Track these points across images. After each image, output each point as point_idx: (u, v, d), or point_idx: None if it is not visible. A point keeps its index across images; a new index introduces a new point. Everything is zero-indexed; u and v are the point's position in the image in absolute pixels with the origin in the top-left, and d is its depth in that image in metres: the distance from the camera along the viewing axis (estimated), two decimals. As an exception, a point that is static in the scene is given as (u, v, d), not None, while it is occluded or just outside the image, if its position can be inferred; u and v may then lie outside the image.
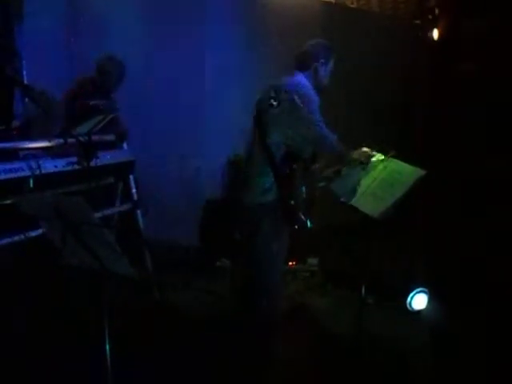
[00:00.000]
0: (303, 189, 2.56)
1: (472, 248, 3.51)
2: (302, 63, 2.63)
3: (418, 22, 4.33)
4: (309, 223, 2.55)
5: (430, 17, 4.13)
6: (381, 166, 2.55)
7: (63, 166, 2.72)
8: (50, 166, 2.64)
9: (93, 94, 3.52)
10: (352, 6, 4.69)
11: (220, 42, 4.26)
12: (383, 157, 2.56)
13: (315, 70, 2.61)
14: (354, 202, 2.60)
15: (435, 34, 4.04)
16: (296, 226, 2.56)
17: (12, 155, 2.56)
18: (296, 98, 2.47)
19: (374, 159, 2.59)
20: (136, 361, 2.56)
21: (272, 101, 2.51)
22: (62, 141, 2.73)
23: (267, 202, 2.51)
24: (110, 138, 3.27)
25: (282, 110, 2.48)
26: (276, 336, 2.64)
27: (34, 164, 2.51)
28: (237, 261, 3.53)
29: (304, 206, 2.55)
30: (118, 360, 2.02)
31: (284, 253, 2.65)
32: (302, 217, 2.53)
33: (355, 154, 2.58)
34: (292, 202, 2.48)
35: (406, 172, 2.46)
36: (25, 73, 3.40)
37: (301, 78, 2.58)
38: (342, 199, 2.57)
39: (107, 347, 1.99)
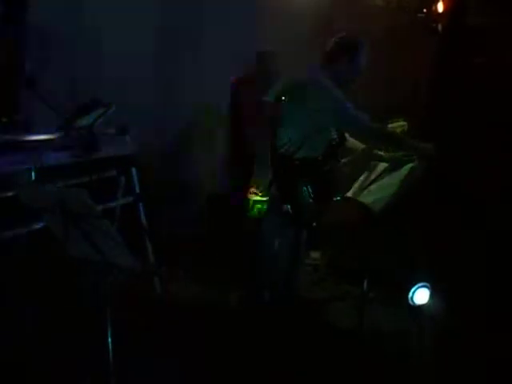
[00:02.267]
0: (308, 189, 2.43)
1: (473, 245, 3.51)
2: (326, 61, 2.56)
3: (422, 15, 4.30)
4: (317, 225, 2.44)
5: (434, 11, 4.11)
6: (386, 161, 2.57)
7: (65, 159, 2.73)
8: (52, 159, 2.65)
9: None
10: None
11: (226, 38, 4.24)
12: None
13: (337, 69, 2.53)
14: (357, 195, 2.61)
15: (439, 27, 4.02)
16: (302, 227, 2.49)
17: (15, 148, 2.57)
18: (321, 87, 2.43)
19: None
20: (136, 353, 2.57)
21: (291, 95, 2.47)
22: (64, 133, 2.73)
23: (269, 199, 2.48)
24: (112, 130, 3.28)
25: (304, 101, 2.42)
26: (278, 329, 2.63)
27: (36, 156, 2.52)
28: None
29: (311, 206, 2.43)
30: (119, 352, 2.03)
31: (289, 250, 2.59)
32: (308, 218, 2.42)
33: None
34: (288, 207, 2.37)
35: (406, 166, 2.47)
36: (27, 65, 3.39)
37: (321, 75, 2.50)
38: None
39: (109, 340, 2.00)
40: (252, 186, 2.77)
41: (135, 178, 3.37)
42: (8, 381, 2.32)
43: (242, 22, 4.14)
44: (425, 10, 4.22)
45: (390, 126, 2.57)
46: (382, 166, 2.63)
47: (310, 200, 2.41)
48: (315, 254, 4.18)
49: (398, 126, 2.55)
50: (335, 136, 2.50)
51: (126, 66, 3.76)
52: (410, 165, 2.44)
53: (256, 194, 2.72)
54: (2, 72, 3.16)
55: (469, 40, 3.93)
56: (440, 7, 4.05)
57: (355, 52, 2.53)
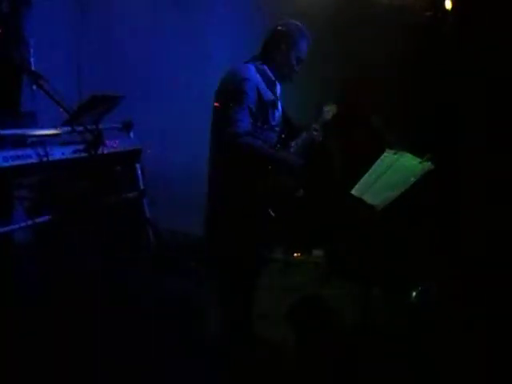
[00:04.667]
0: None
1: (475, 245, 3.51)
2: (262, 49, 2.37)
3: (428, 13, 4.28)
4: (280, 220, 2.28)
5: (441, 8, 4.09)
6: (391, 159, 2.57)
7: (70, 154, 2.74)
8: (57, 154, 2.67)
9: None
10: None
11: (227, 34, 4.25)
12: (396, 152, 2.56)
13: (275, 59, 2.32)
14: (361, 193, 2.61)
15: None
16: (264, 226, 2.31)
17: (20, 142, 2.58)
18: (228, 82, 2.25)
19: (385, 153, 2.59)
20: (138, 350, 2.58)
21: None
22: (69, 128, 2.74)
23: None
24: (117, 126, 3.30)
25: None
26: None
27: (41, 151, 2.53)
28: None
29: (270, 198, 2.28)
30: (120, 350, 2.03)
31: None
32: (271, 212, 2.26)
33: (324, 113, 2.57)
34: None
35: (414, 167, 2.46)
36: (32, 60, 3.39)
37: (249, 66, 2.29)
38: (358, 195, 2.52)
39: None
40: None
41: (139, 174, 3.39)
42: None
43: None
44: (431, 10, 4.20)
45: (325, 109, 2.62)
46: (388, 160, 2.62)
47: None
48: (317, 252, 4.19)
49: (330, 109, 2.65)
50: (276, 127, 2.38)
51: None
52: (421, 167, 2.41)
53: None
54: (8, 67, 3.16)
55: (474, 38, 3.91)
56: (448, 4, 4.03)
57: (294, 42, 2.31)
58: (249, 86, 2.19)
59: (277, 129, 2.37)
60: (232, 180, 2.26)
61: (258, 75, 2.28)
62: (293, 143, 2.48)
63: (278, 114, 2.38)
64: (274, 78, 2.33)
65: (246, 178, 2.24)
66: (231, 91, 2.21)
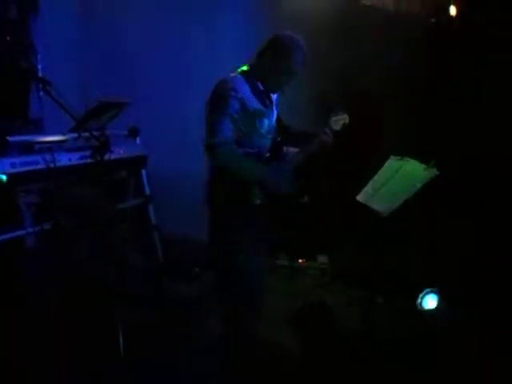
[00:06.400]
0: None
1: (473, 247, 3.50)
2: (255, 58, 2.36)
3: (433, 20, 4.30)
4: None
5: (446, 15, 4.11)
6: (396, 166, 2.57)
7: (77, 160, 2.75)
8: (64, 160, 2.68)
9: None
10: (366, 3, 4.66)
11: (233, 38, 4.26)
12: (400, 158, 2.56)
13: (262, 65, 2.31)
14: (366, 200, 2.61)
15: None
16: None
17: (27, 148, 2.60)
18: (213, 92, 2.25)
19: (390, 160, 2.60)
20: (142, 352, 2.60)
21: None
22: (76, 135, 2.76)
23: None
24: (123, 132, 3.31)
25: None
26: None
27: (48, 157, 2.54)
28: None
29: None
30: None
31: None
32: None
33: (331, 123, 2.44)
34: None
35: (419, 173, 2.46)
36: (40, 66, 3.42)
37: (237, 77, 2.28)
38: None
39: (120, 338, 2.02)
40: None
41: (145, 180, 3.40)
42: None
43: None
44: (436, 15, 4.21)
45: (333, 118, 2.46)
46: (393, 167, 2.62)
47: (258, 201, 2.25)
48: (322, 258, 4.18)
49: (340, 118, 2.48)
50: (268, 134, 2.36)
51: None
52: (427, 173, 2.41)
53: None
54: (16, 74, 3.19)
55: (474, 38, 3.90)
56: (452, 10, 4.04)
57: (281, 50, 2.27)
58: (231, 95, 2.20)
59: (269, 136, 2.36)
60: (222, 185, 2.27)
61: (245, 85, 2.28)
62: (287, 149, 2.45)
63: (269, 122, 2.36)
64: (262, 88, 2.33)
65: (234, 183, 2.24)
66: (215, 100, 2.23)
